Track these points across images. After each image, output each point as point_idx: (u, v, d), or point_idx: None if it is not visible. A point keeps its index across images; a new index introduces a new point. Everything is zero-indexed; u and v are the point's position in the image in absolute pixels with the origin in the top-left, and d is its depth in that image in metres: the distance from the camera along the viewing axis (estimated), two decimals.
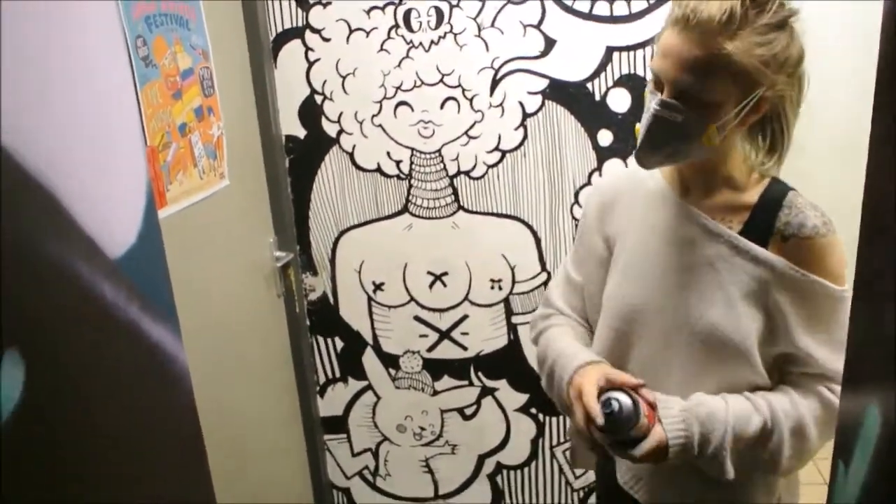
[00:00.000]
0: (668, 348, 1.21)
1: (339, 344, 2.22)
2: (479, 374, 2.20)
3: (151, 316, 1.05)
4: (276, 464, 2.09)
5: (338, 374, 2.26)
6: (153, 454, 1.09)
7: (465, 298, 2.12)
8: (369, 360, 2.23)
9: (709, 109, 1.07)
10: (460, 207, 2.04)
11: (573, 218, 1.98)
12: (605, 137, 1.91)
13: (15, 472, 0.79)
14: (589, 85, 1.87)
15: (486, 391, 2.21)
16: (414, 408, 2.27)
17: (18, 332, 0.80)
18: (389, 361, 2.23)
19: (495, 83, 1.91)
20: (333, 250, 2.13)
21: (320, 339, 2.23)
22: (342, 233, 2.12)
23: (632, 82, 1.85)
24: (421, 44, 1.92)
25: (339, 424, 2.33)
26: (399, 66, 1.94)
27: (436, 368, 2.21)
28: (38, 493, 0.82)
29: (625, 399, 1.12)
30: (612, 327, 1.27)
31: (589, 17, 1.82)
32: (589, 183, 1.95)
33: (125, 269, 0.99)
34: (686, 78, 1.06)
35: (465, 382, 2.21)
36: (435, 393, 2.24)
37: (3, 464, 0.78)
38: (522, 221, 2.01)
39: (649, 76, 1.14)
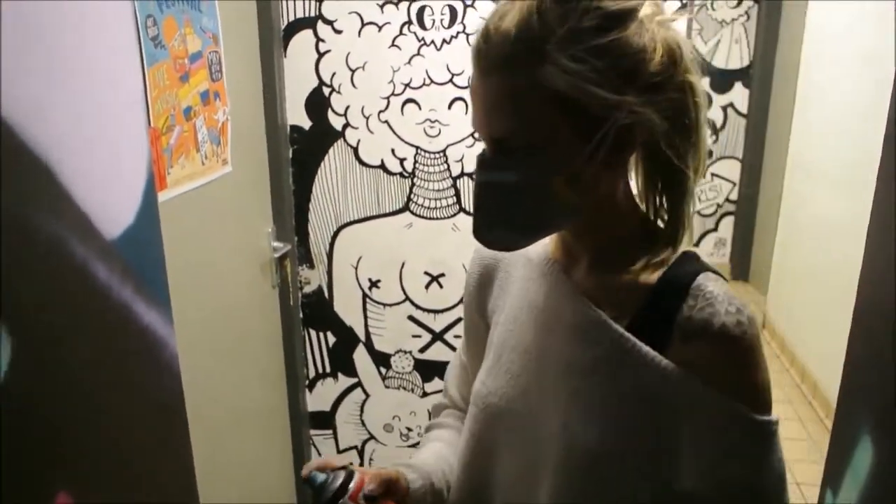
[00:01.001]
0: (536, 468, 0.91)
1: (332, 339, 2.21)
2: None
3: (144, 299, 1.04)
4: (260, 455, 2.07)
5: (328, 370, 2.25)
6: (137, 434, 1.08)
7: (461, 301, 2.10)
8: (361, 357, 2.22)
9: (541, 157, 0.80)
10: (461, 209, 2.02)
11: None
12: None
13: (6, 443, 0.78)
14: None
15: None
16: (402, 408, 2.26)
17: (7, 308, 0.78)
18: (381, 360, 2.21)
19: None
20: (331, 244, 2.12)
21: (313, 332, 2.21)
22: (341, 227, 2.10)
23: None
24: (433, 42, 1.91)
25: (326, 420, 2.31)
26: (409, 62, 1.93)
27: (427, 370, 2.20)
28: (21, 466, 0.81)
29: (323, 476, 0.98)
30: (473, 432, 0.99)
31: None
32: None
33: (121, 250, 0.98)
34: (497, 123, 0.80)
35: None
36: (424, 394, 2.23)
37: None
38: None
39: None
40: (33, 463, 0.86)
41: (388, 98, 1.97)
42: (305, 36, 1.96)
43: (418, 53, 1.92)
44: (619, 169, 0.85)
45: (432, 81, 1.93)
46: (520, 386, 0.93)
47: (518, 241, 0.88)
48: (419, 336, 2.16)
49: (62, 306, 0.88)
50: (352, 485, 0.94)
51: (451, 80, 1.92)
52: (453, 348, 2.15)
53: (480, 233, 0.87)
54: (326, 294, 2.17)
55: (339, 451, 2.36)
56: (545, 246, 0.95)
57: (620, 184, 0.87)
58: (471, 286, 1.05)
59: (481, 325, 1.03)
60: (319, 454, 2.36)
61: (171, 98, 1.48)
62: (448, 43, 1.90)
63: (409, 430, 2.28)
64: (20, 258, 0.80)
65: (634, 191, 0.89)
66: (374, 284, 2.13)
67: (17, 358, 0.81)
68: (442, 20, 1.89)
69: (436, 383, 2.20)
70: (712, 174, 4.96)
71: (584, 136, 0.78)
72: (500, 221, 0.86)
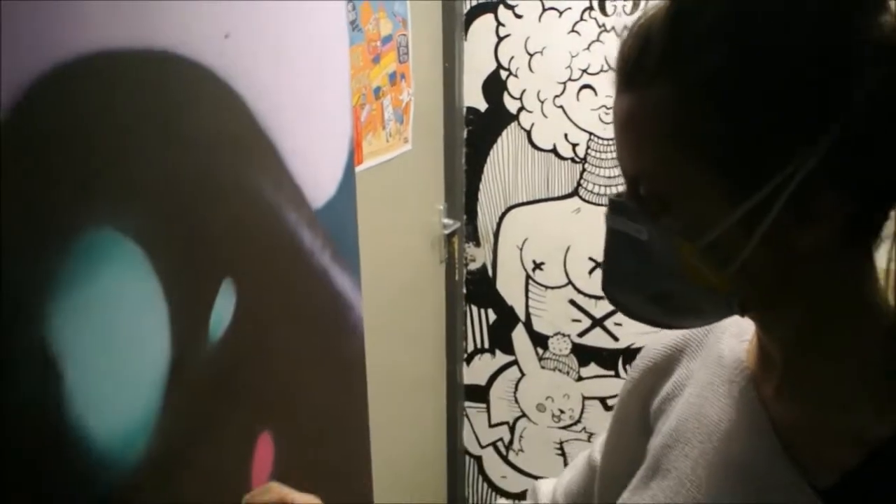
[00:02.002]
0: None
1: (492, 316, 2.27)
2: (628, 366, 2.17)
3: (339, 265, 1.13)
4: (417, 419, 2.17)
5: (486, 346, 2.31)
6: (325, 387, 1.18)
7: None
8: (519, 336, 2.26)
9: (665, 206, 0.56)
10: None
11: None
12: None
13: (220, 383, 0.89)
14: None
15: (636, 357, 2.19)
16: (556, 390, 2.29)
17: (234, 264, 0.89)
18: (538, 340, 2.25)
19: None
20: (499, 224, 2.17)
21: (474, 308, 2.28)
22: (509, 208, 2.15)
23: None
24: (613, 28, 1.90)
25: (480, 394, 2.38)
26: (588, 48, 1.93)
27: (584, 354, 2.21)
28: (234, 407, 0.92)
29: None
30: None
31: None
32: None
33: (322, 220, 1.07)
34: (627, 157, 0.58)
35: (612, 373, 2.20)
36: (580, 378, 2.24)
37: (210, 375, 0.88)
38: None
39: None
40: (243, 406, 0.97)
41: (564, 83, 1.98)
42: (486, 20, 2.01)
43: (598, 39, 1.92)
44: (822, 246, 0.53)
45: (610, 68, 1.92)
46: None
47: (645, 316, 0.64)
48: (579, 320, 2.18)
49: (275, 268, 0.98)
50: None
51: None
52: (613, 336, 2.15)
53: (606, 288, 0.66)
54: (490, 272, 2.23)
55: (490, 426, 2.42)
56: (743, 341, 0.68)
57: (843, 267, 0.55)
58: (639, 370, 0.79)
59: (637, 424, 0.78)
60: (472, 426, 2.44)
61: (364, 78, 1.57)
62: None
63: (562, 412, 2.31)
64: (246, 221, 0.91)
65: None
66: (537, 266, 2.17)
67: (238, 311, 0.91)
68: (624, 7, 1.87)
69: (592, 368, 2.21)
70: None
71: (729, 190, 0.52)
72: (625, 284, 0.64)
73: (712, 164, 0.52)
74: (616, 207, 0.61)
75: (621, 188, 0.62)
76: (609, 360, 2.19)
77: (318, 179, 1.04)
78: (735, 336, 0.69)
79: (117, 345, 0.74)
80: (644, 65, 0.54)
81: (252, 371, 0.96)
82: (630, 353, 2.15)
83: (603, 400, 2.24)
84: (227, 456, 0.94)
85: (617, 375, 2.19)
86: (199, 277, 0.84)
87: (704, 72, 0.51)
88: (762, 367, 0.64)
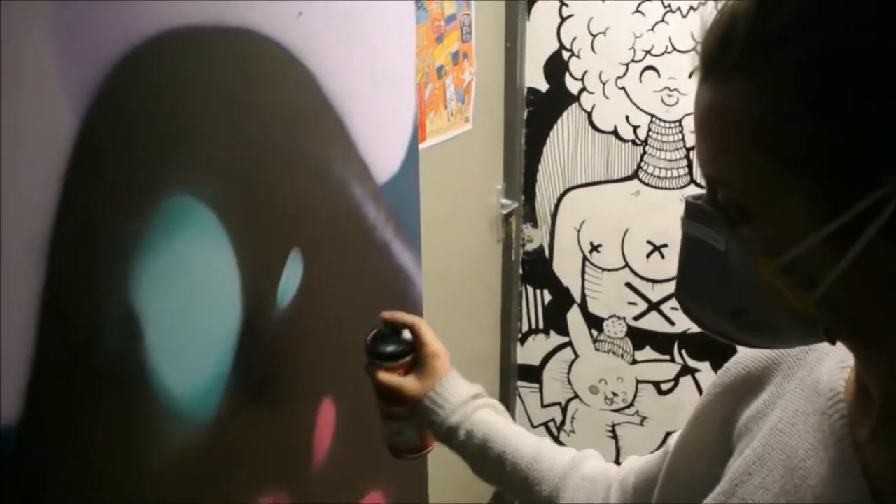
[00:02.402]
0: None
1: (548, 297, 2.28)
2: (683, 351, 2.17)
3: (401, 240, 1.16)
4: None
5: (541, 326, 2.33)
6: None
7: None
8: (574, 317, 2.27)
9: (746, 216, 0.50)
10: (692, 181, 1.99)
11: None
12: None
13: (286, 350, 0.93)
14: None
15: (687, 370, 2.18)
16: (610, 372, 2.29)
17: (302, 235, 0.92)
18: (593, 322, 2.25)
19: None
20: (557, 205, 2.18)
21: (530, 289, 2.30)
22: (568, 190, 2.15)
23: None
24: (679, 9, 1.87)
25: (533, 374, 2.40)
26: (652, 29, 1.91)
27: (639, 338, 2.21)
28: (297, 373, 0.96)
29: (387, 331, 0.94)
30: None
31: None
32: None
33: (385, 195, 1.10)
34: (704, 155, 0.52)
35: (667, 357, 2.19)
36: (634, 362, 2.24)
37: (277, 341, 0.92)
38: None
39: None
40: (307, 372, 1.00)
41: (627, 64, 1.97)
42: (550, 1, 2.00)
43: (662, 20, 1.90)
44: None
45: (675, 49, 1.91)
46: None
47: (718, 330, 0.58)
48: (635, 304, 2.17)
49: (340, 240, 1.01)
50: (397, 361, 0.90)
51: (694, 49, 1.88)
52: (669, 320, 2.14)
53: (678, 296, 0.61)
54: (547, 253, 2.23)
55: (542, 406, 2.44)
56: (844, 368, 0.60)
57: None
58: (731, 375, 0.71)
59: (719, 432, 0.71)
60: (525, 405, 2.46)
61: (428, 57, 1.59)
62: (695, 10, 1.86)
63: (615, 394, 2.31)
64: (314, 194, 0.94)
65: None
66: (594, 248, 2.17)
67: (304, 280, 0.95)
68: None
69: (647, 352, 2.21)
70: None
71: (817, 200, 0.46)
72: (698, 294, 0.58)
73: (799, 171, 0.45)
74: (693, 212, 0.55)
75: (695, 191, 0.57)
76: (665, 344, 2.18)
77: (383, 155, 1.07)
78: (837, 361, 0.60)
79: (193, 307, 0.78)
80: (728, 53, 0.47)
81: (316, 339, 1.00)
82: (686, 338, 2.14)
83: (657, 384, 2.24)
84: (291, 418, 0.98)
85: (672, 360, 2.18)
86: (269, 246, 0.88)
87: (796, 62, 0.44)
88: (859, 402, 0.57)
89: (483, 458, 0.85)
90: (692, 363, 2.16)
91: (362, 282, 1.08)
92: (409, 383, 0.89)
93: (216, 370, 0.83)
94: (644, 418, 2.29)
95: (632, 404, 2.30)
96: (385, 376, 0.89)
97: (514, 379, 2.42)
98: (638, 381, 2.26)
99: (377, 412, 0.93)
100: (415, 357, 0.91)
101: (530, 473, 0.84)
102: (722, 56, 0.48)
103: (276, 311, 0.91)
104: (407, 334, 0.92)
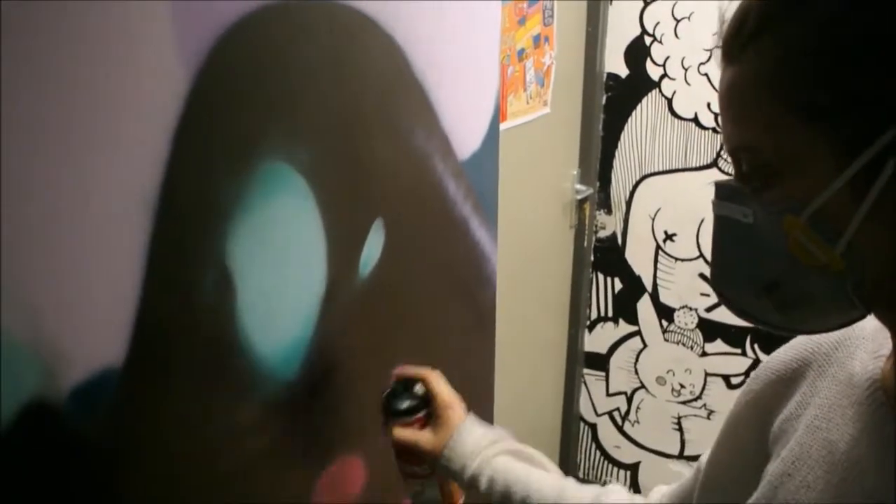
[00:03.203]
0: None
1: (618, 285, 2.27)
2: (756, 346, 2.13)
3: (479, 218, 1.17)
4: (534, 382, 2.21)
5: (610, 314, 2.32)
6: (458, 332, 1.23)
7: None
8: (644, 306, 2.25)
9: (770, 179, 0.52)
10: None
11: None
12: None
13: (366, 317, 0.96)
14: None
15: (758, 364, 2.14)
16: (678, 363, 2.26)
17: (386, 205, 0.95)
18: (664, 312, 2.23)
19: None
20: (632, 193, 2.16)
21: (600, 276, 2.29)
22: (644, 177, 2.13)
23: None
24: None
25: (600, 362, 2.39)
26: None
27: (710, 330, 2.17)
28: (378, 332, 0.99)
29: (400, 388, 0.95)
30: None
31: None
32: None
33: (466, 172, 1.11)
34: (728, 131, 0.54)
35: (738, 351, 2.15)
36: (703, 354, 2.21)
37: (358, 308, 0.95)
38: None
39: None
40: (384, 339, 1.03)
41: (710, 50, 1.93)
42: None
43: None
44: None
45: None
46: None
47: (757, 314, 0.58)
48: (707, 295, 2.14)
49: (421, 213, 1.03)
50: (412, 416, 0.91)
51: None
52: None
53: (713, 283, 0.62)
54: (619, 241, 2.22)
55: (608, 395, 2.43)
56: (879, 357, 0.59)
57: None
58: (760, 381, 0.71)
59: (754, 439, 0.70)
60: (590, 393, 2.45)
61: (509, 39, 1.60)
62: None
63: (682, 386, 2.28)
64: (399, 165, 0.96)
65: None
66: (668, 237, 2.14)
67: (385, 250, 0.97)
68: None
69: (717, 344, 2.17)
70: None
71: (836, 155, 0.47)
72: (733, 276, 0.59)
73: (814, 123, 0.48)
74: (721, 191, 0.56)
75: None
76: (737, 337, 2.14)
77: (465, 132, 1.08)
78: (870, 353, 0.60)
79: (282, 270, 0.81)
80: (744, 31, 0.50)
81: (394, 310, 1.03)
82: (760, 333, 2.10)
83: (727, 378, 2.20)
84: (366, 383, 1.01)
85: (744, 354, 2.14)
86: (354, 215, 0.91)
87: (816, 18, 0.47)
88: None
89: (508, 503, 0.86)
90: (765, 358, 2.12)
91: (441, 255, 1.10)
92: (424, 438, 0.89)
93: (300, 333, 0.87)
94: (711, 412, 2.26)
95: (699, 397, 2.27)
96: (401, 432, 0.90)
97: (580, 366, 2.42)
98: (707, 374, 2.23)
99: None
100: (429, 411, 0.91)
101: None
102: (739, 34, 0.51)
103: (358, 279, 0.94)
104: (419, 388, 0.93)
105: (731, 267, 0.58)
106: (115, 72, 0.59)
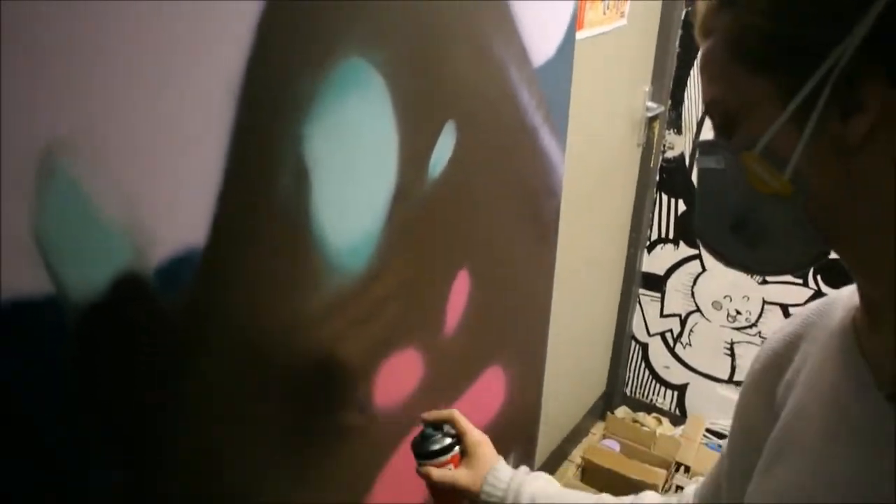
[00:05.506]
0: None
1: (682, 207, 2.24)
2: (818, 277, 2.10)
3: (549, 128, 1.17)
4: (590, 298, 2.23)
5: (671, 236, 2.30)
6: (521, 240, 1.25)
7: None
8: None
9: (735, 125, 0.59)
10: None
11: None
12: None
13: (433, 218, 0.98)
14: None
15: (820, 296, 2.11)
16: (737, 290, 2.25)
17: (458, 109, 0.95)
18: None
19: None
20: (704, 114, 2.10)
21: (664, 197, 2.26)
22: None
23: None
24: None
25: (657, 283, 2.40)
26: None
27: None
28: (443, 233, 1.01)
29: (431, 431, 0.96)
30: None
31: None
32: None
33: (539, 80, 1.11)
34: (705, 93, 0.62)
35: (800, 282, 2.13)
36: (764, 282, 2.19)
37: (425, 209, 0.97)
38: None
39: None
40: (449, 241, 1.06)
41: None
42: None
43: None
44: (851, 146, 0.53)
45: None
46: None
47: (732, 255, 0.64)
48: None
49: (493, 118, 1.04)
50: (447, 455, 0.93)
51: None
52: None
53: (696, 230, 0.67)
54: (687, 162, 2.18)
55: (661, 316, 2.44)
56: (852, 309, 0.64)
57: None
58: (760, 362, 0.74)
59: (759, 416, 0.72)
60: (644, 313, 2.47)
61: None
62: None
63: (738, 313, 2.28)
64: (474, 71, 0.96)
65: None
66: None
67: (455, 153, 0.99)
68: None
69: None
70: None
71: (785, 90, 0.54)
72: (708, 219, 0.65)
73: (761, 68, 0.56)
74: (702, 147, 0.63)
75: None
76: None
77: (541, 38, 1.07)
78: (845, 309, 0.65)
79: (355, 165, 0.84)
80: (711, 10, 0.59)
81: (460, 211, 1.05)
82: (824, 264, 2.06)
83: (784, 307, 2.19)
84: (430, 282, 1.05)
85: (805, 285, 2.12)
86: (427, 116, 0.92)
87: None
88: (867, 316, 0.61)
89: None
90: (827, 290, 2.09)
91: (509, 161, 1.11)
92: (462, 475, 0.93)
93: (370, 228, 0.90)
94: (766, 339, 2.26)
95: (755, 324, 2.26)
96: (438, 473, 0.93)
97: (636, 286, 2.43)
98: (765, 302, 2.21)
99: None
100: (461, 449, 0.94)
101: None
102: (707, 15, 0.59)
103: (428, 178, 0.95)
104: (449, 428, 0.95)
105: (707, 212, 0.65)
106: None
